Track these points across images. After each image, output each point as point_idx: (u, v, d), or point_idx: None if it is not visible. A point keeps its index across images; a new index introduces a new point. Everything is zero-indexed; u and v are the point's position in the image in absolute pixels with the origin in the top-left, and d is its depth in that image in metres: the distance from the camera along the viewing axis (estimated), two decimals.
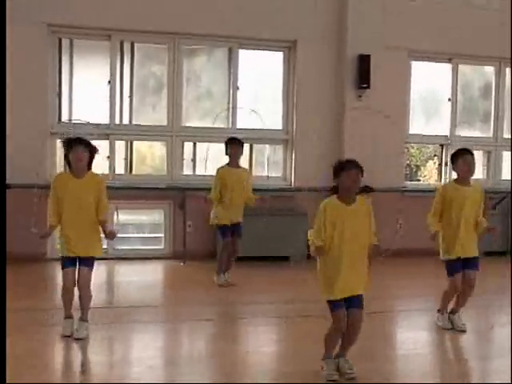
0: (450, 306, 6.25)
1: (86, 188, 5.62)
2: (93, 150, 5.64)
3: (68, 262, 5.64)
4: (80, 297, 5.71)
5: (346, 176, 4.72)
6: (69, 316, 5.75)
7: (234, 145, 7.92)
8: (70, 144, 5.60)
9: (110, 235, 5.78)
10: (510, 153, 11.25)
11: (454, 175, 6.28)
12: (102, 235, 5.81)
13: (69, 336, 5.62)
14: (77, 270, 5.65)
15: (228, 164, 7.98)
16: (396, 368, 5.24)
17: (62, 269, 5.66)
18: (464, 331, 6.09)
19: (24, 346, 5.26)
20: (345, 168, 4.74)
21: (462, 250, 6.02)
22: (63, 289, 5.68)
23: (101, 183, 5.79)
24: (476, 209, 6.06)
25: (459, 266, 6.03)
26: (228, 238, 7.92)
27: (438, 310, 6.29)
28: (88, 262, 5.67)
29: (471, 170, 6.07)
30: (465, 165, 6.02)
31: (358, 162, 4.78)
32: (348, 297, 4.70)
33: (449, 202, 6.04)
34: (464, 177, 6.08)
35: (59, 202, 5.60)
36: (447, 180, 10.44)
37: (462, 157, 6.04)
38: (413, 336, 6.12)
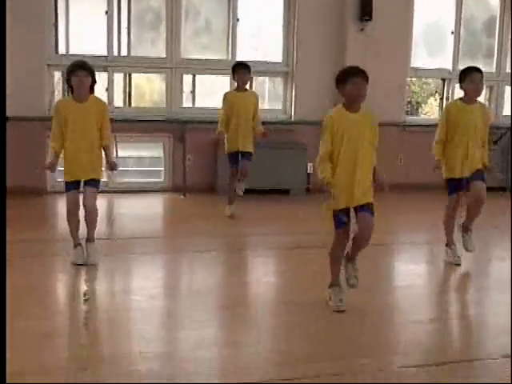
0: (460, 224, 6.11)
1: (88, 112, 5.58)
2: (94, 76, 5.61)
3: (71, 186, 5.65)
4: (86, 214, 5.69)
5: (351, 86, 4.54)
6: (78, 244, 5.76)
7: (240, 69, 7.85)
8: (72, 68, 5.53)
9: (112, 165, 5.77)
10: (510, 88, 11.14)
11: None
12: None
13: (81, 264, 5.66)
14: (81, 193, 5.68)
15: (235, 89, 8.01)
16: (391, 299, 5.27)
17: (66, 192, 5.67)
18: (471, 250, 6.06)
19: (24, 277, 5.28)
20: (349, 77, 4.56)
21: (467, 168, 5.80)
22: (68, 213, 5.68)
23: (104, 106, 5.80)
24: (482, 127, 5.84)
25: (460, 186, 5.85)
26: (235, 167, 7.84)
27: (446, 245, 6.11)
28: (92, 182, 5.68)
29: (478, 90, 5.85)
30: (472, 83, 5.78)
31: (362, 69, 4.59)
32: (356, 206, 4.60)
33: (454, 120, 5.81)
34: (470, 96, 5.85)
35: (62, 127, 5.56)
36: None
37: (469, 74, 5.81)
38: (409, 268, 6.16)
